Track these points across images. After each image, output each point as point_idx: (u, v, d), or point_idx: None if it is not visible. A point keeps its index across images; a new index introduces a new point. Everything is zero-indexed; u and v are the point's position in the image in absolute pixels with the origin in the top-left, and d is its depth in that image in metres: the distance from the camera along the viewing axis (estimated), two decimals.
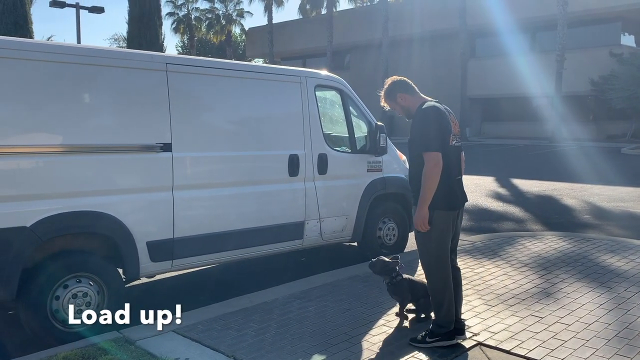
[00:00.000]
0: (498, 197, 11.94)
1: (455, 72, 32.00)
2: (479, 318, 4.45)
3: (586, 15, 28.48)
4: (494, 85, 31.86)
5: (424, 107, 3.85)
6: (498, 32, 30.16)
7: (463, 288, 5.17)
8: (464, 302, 4.80)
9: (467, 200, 4.01)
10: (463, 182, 3.99)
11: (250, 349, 3.89)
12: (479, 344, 3.97)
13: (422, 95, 4.01)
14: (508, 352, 3.83)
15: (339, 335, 4.13)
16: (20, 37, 11.99)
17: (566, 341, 3.97)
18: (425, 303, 4.40)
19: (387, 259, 4.45)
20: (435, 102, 3.94)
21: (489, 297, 4.96)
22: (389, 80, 4.07)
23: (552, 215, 9.65)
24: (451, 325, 3.90)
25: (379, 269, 4.43)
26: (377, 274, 4.48)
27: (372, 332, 4.20)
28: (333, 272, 5.87)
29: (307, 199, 5.77)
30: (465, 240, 7.36)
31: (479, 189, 12.86)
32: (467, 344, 3.96)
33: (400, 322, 4.35)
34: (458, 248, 6.77)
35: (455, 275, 4.05)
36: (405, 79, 4.02)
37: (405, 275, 4.44)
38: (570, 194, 11.92)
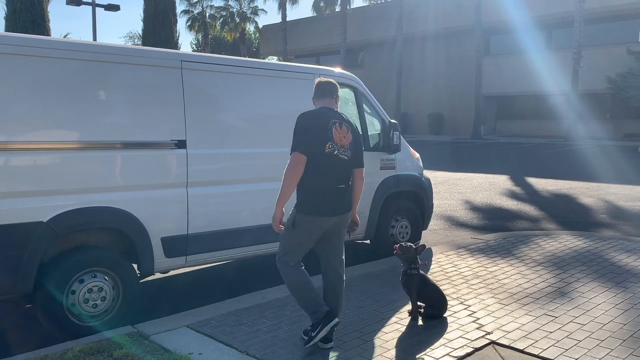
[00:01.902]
0: (512, 195, 11.85)
1: (468, 70, 31.78)
2: (492, 317, 4.43)
3: (604, 12, 28.11)
4: (509, 83, 31.58)
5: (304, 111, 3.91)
6: (513, 29, 29.88)
7: (476, 287, 5.19)
8: (476, 300, 4.81)
9: (345, 211, 3.91)
10: (341, 193, 3.86)
11: (263, 345, 3.92)
12: (492, 342, 3.95)
13: (325, 101, 3.98)
14: (521, 351, 3.81)
15: (351, 333, 4.14)
16: (37, 34, 12.14)
17: (580, 341, 3.94)
18: (436, 303, 4.40)
19: (413, 247, 4.46)
20: (327, 109, 3.92)
21: (502, 296, 4.94)
22: (315, 81, 4.13)
23: (567, 215, 9.56)
24: (319, 307, 3.79)
25: (405, 254, 4.44)
26: (399, 258, 4.51)
27: (385, 329, 4.20)
28: (346, 269, 5.85)
29: None
30: (479, 239, 7.32)
31: (493, 188, 12.78)
32: (480, 342, 3.94)
33: (413, 320, 4.35)
34: (471, 246, 6.81)
35: (334, 281, 4.04)
36: (323, 83, 4.03)
37: (421, 272, 4.44)
38: (586, 192, 11.80)
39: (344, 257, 4.14)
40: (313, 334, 3.76)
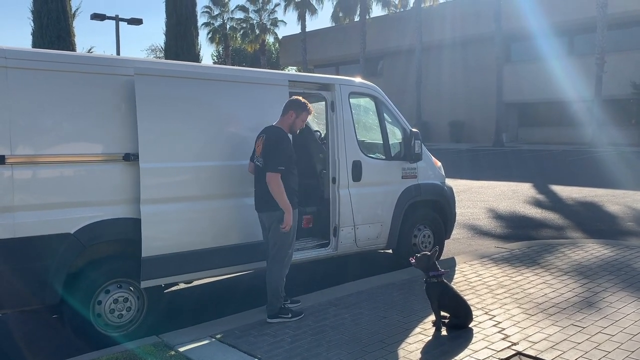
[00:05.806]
0: (536, 203, 11.69)
1: (488, 78, 31.53)
2: (518, 327, 4.36)
3: (627, 16, 27.70)
4: (531, 90, 31.24)
5: None
6: (534, 35, 29.57)
7: (501, 296, 5.14)
8: (501, 310, 4.75)
9: (258, 210, 4.71)
10: (257, 194, 4.70)
11: (286, 355, 3.91)
12: (519, 353, 3.89)
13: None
14: None
15: (374, 343, 4.12)
16: (62, 49, 12.41)
17: (609, 352, 3.85)
18: (460, 313, 4.35)
19: (428, 255, 4.45)
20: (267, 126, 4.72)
21: (528, 306, 4.86)
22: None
23: (593, 222, 9.39)
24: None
25: (419, 264, 4.45)
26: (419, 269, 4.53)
27: (409, 340, 4.17)
28: (368, 279, 5.85)
29: (341, 206, 5.77)
30: (503, 248, 7.24)
31: (516, 196, 12.62)
32: (506, 353, 3.89)
33: (437, 331, 4.31)
34: (495, 256, 6.78)
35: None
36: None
37: (444, 280, 4.41)
38: (612, 200, 11.58)
39: (273, 254, 4.66)
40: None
